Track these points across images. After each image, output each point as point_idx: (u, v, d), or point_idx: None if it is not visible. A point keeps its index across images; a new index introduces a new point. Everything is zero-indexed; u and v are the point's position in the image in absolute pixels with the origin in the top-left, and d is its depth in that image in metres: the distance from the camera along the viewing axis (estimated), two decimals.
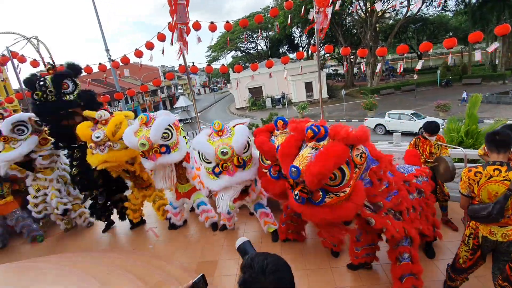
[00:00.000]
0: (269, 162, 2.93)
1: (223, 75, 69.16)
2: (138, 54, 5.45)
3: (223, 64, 5.73)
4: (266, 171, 2.94)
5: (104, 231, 4.58)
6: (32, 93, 3.60)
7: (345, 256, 3.15)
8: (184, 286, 1.14)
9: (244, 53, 52.34)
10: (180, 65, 5.65)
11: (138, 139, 3.06)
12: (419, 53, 34.11)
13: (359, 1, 26.29)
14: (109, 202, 4.42)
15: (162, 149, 3.13)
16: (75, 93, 3.75)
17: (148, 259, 3.64)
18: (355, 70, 36.71)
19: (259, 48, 50.46)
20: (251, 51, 51.95)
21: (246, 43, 46.02)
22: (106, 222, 4.60)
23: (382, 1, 25.26)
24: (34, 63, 5.21)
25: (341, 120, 23.27)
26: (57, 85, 3.60)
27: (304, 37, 46.11)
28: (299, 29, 43.93)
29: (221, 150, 2.78)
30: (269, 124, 3.14)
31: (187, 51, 4.89)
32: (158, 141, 3.10)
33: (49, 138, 4.08)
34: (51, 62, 3.91)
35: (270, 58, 33.86)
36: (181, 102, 13.19)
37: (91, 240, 4.42)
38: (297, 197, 1.94)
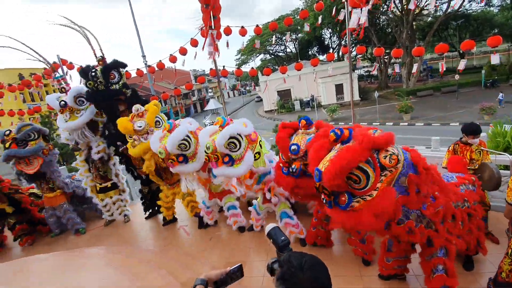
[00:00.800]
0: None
1: (252, 78, 69.79)
2: (172, 59, 5.75)
3: (252, 68, 5.85)
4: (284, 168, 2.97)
5: (147, 218, 5.06)
6: (86, 82, 4.12)
7: (377, 264, 3.04)
8: (222, 271, 1.19)
9: (273, 56, 52.46)
10: (211, 69, 5.87)
11: (158, 147, 3.25)
12: (461, 51, 31.87)
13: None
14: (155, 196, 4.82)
15: (180, 159, 3.25)
16: (120, 83, 4.23)
17: (179, 256, 3.81)
18: (390, 71, 35.21)
19: (288, 50, 50.25)
20: (280, 54, 51.90)
21: (275, 45, 46.12)
22: (151, 211, 4.99)
23: None
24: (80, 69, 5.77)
25: (373, 123, 22.40)
26: (106, 76, 4.09)
27: (334, 38, 45.18)
28: (330, 30, 43.12)
29: (207, 145, 2.92)
30: (294, 122, 3.16)
31: (218, 54, 5.06)
32: (174, 151, 3.22)
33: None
34: (101, 54, 4.44)
35: (299, 60, 33.58)
36: (211, 105, 13.60)
37: (128, 235, 4.73)
38: (324, 201, 1.97)
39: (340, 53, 37.83)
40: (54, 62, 5.59)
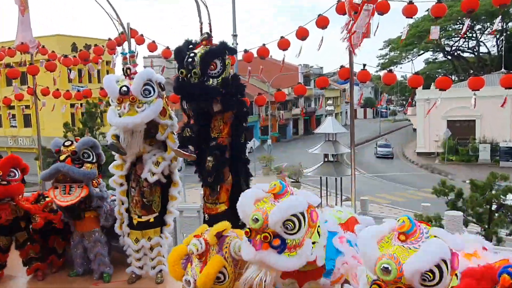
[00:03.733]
0: None
1: (406, 90, 68.07)
2: (284, 44, 6.21)
3: (416, 73, 5.80)
4: None
5: None
6: (178, 67, 4.84)
7: None
8: None
9: (449, 57, 50.42)
10: (341, 67, 6.06)
11: (253, 211, 3.35)
12: None
13: None
14: None
15: (275, 242, 3.19)
16: (220, 77, 4.78)
17: None
18: None
19: (483, 50, 47.57)
20: (465, 54, 49.55)
21: (458, 39, 44.40)
22: None
23: None
24: (152, 46, 6.77)
25: None
26: (205, 65, 4.70)
27: None
28: None
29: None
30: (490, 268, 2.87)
31: (359, 43, 5.21)
32: (276, 227, 3.20)
33: (168, 109, 5.21)
34: (208, 31, 5.05)
35: (503, 70, 31.08)
36: (327, 126, 13.73)
37: None
38: None
39: None
40: (122, 33, 6.75)
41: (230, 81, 4.91)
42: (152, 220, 5.52)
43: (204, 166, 5.03)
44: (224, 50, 4.85)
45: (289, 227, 3.17)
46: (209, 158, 4.96)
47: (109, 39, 7.83)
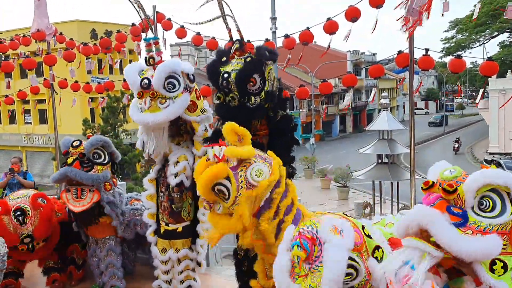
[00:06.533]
0: None
1: (474, 80, 66.32)
2: (331, 27, 6.17)
3: (489, 58, 5.65)
4: None
5: None
6: (216, 90, 4.78)
7: None
8: None
9: None
10: (399, 52, 5.97)
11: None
12: None
13: None
14: None
15: (456, 210, 2.77)
16: (262, 92, 4.67)
17: None
18: None
19: None
20: None
21: None
22: None
23: None
24: (181, 32, 6.87)
25: None
26: (242, 86, 4.58)
27: None
28: None
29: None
30: None
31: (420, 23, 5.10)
32: (469, 197, 2.78)
33: (199, 103, 5.21)
34: (238, 37, 4.86)
35: None
36: (382, 122, 13.52)
37: None
38: None
39: None
40: (147, 17, 6.89)
41: (275, 93, 4.85)
42: (180, 229, 5.53)
43: None
44: (261, 63, 4.71)
45: (485, 204, 2.73)
46: None
47: (133, 24, 7.95)
